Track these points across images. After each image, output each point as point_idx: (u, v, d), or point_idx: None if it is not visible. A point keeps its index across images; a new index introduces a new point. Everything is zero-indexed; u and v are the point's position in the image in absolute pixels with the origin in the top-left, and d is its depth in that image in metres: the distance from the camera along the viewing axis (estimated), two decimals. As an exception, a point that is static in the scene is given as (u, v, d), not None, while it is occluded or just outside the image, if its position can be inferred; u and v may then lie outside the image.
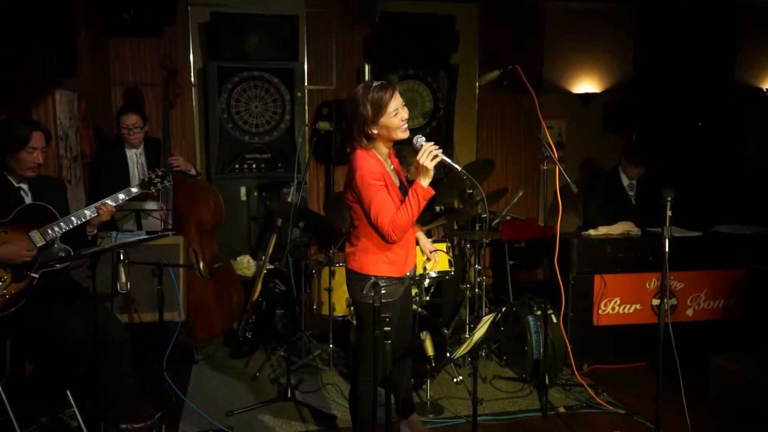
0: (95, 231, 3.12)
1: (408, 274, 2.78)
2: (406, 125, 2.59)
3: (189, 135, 5.34)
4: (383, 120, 2.54)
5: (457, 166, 2.61)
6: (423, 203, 2.51)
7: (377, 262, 2.65)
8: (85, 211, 2.98)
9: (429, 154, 2.46)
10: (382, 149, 2.67)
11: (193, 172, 4.39)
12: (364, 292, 2.41)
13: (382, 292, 2.55)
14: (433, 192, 2.53)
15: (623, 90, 6.11)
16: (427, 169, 2.47)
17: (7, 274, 2.87)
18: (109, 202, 3.02)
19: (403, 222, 2.53)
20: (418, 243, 2.91)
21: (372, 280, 2.41)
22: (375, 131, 2.57)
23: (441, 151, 2.49)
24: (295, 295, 4.01)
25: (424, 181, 2.49)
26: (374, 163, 2.58)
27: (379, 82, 2.57)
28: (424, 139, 2.54)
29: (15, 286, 2.88)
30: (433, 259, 2.90)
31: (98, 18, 4.78)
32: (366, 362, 2.71)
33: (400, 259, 2.69)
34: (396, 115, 2.54)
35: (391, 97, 2.53)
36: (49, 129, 3.30)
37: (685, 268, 4.15)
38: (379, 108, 2.52)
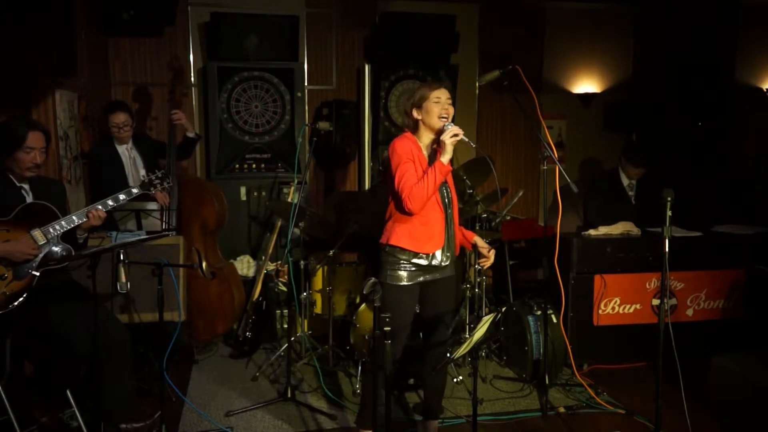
0: (86, 234, 3.12)
1: (434, 262, 2.86)
2: (446, 118, 2.81)
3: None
4: (425, 104, 2.82)
5: (473, 144, 2.86)
6: (440, 178, 2.73)
7: (400, 233, 2.84)
8: (73, 217, 2.96)
9: (450, 132, 2.72)
10: (424, 138, 2.90)
11: (192, 134, 4.39)
12: (364, 292, 2.44)
13: (402, 271, 2.83)
14: (450, 168, 2.77)
15: (623, 90, 6.11)
16: (446, 144, 2.71)
17: (9, 272, 2.88)
18: (99, 206, 3.00)
19: (420, 192, 2.71)
20: (476, 246, 3.08)
21: (372, 280, 2.43)
22: (417, 115, 2.86)
23: (463, 133, 2.75)
24: (295, 295, 4.01)
25: (444, 157, 2.73)
26: (409, 143, 2.84)
27: (434, 81, 2.93)
28: (452, 123, 2.79)
29: (16, 283, 2.88)
30: (490, 255, 3.05)
31: (98, 18, 4.78)
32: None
33: (422, 236, 2.83)
34: (437, 103, 2.81)
35: (437, 88, 2.84)
36: (49, 129, 3.30)
37: (685, 268, 4.15)
38: (425, 94, 2.83)
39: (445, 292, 2.98)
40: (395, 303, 2.82)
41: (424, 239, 2.83)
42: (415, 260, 2.84)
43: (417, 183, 2.73)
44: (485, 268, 3.11)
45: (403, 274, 2.84)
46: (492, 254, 3.05)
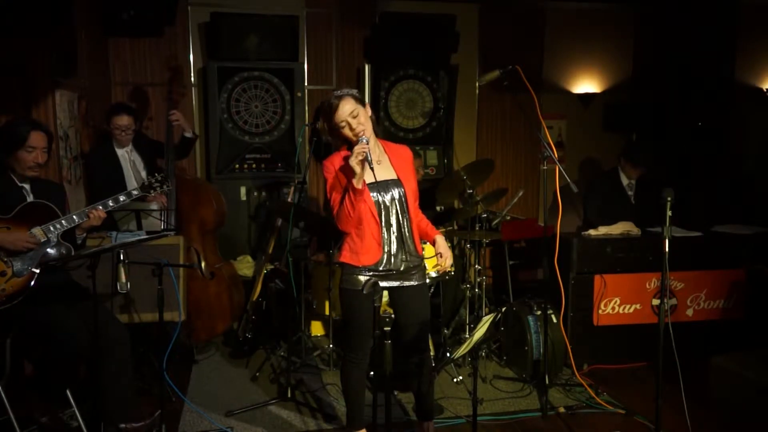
0: (84, 235, 3.13)
1: (386, 267, 2.81)
2: (360, 133, 2.69)
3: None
4: (337, 132, 2.75)
5: (370, 166, 2.66)
6: (355, 198, 2.69)
7: (344, 249, 2.87)
8: (74, 216, 2.98)
9: (354, 155, 2.61)
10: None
11: (190, 134, 4.38)
12: (364, 292, 2.46)
13: (360, 276, 2.80)
14: (359, 189, 2.67)
15: (623, 90, 6.12)
16: (352, 166, 2.63)
17: (8, 269, 2.88)
18: (99, 206, 3.01)
19: (342, 214, 2.74)
20: (434, 243, 2.97)
21: (372, 280, 2.46)
22: (336, 142, 2.80)
23: (366, 151, 2.61)
24: (295, 295, 4.01)
25: (354, 180, 2.66)
26: (335, 161, 2.80)
27: (333, 94, 2.77)
28: (365, 140, 2.66)
29: (15, 281, 2.88)
30: (441, 261, 2.91)
31: (98, 18, 4.78)
32: (346, 347, 2.98)
33: (360, 249, 2.81)
34: (344, 128, 2.72)
35: (335, 110, 2.72)
36: (50, 129, 3.31)
37: (685, 268, 4.15)
38: (327, 122, 2.77)
39: (415, 301, 2.91)
40: (355, 307, 2.81)
41: (361, 252, 2.80)
42: (362, 268, 2.81)
43: (340, 205, 2.74)
44: (439, 271, 3.02)
45: (362, 279, 2.78)
46: (445, 261, 2.89)
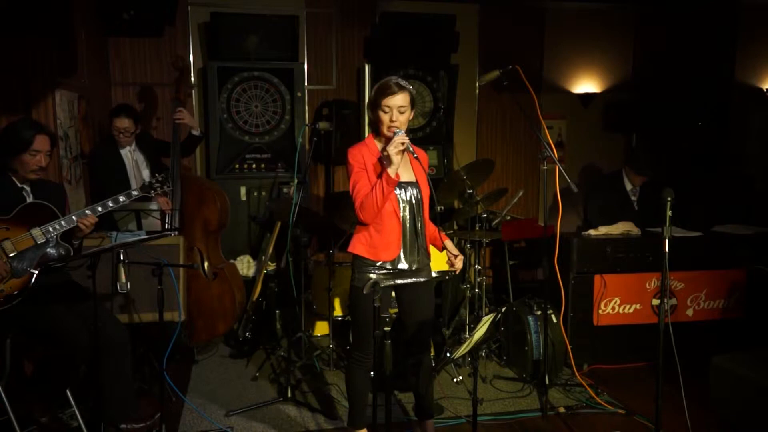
0: (80, 240, 3.12)
1: (400, 266, 2.83)
2: (395, 127, 2.72)
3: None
4: (377, 111, 2.76)
5: (415, 154, 2.75)
6: (389, 189, 2.70)
7: (357, 241, 2.86)
8: (73, 217, 2.97)
9: (395, 145, 2.64)
10: (383, 142, 2.83)
11: (197, 132, 4.39)
12: (365, 292, 2.46)
13: (371, 275, 2.78)
14: (396, 180, 2.69)
15: (623, 90, 6.12)
16: (389, 155, 2.65)
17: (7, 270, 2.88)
18: (88, 212, 2.99)
19: (369, 204, 2.71)
20: (444, 248, 3.00)
21: (372, 280, 2.46)
22: (371, 117, 2.82)
23: (408, 142, 2.66)
24: (295, 295, 4.01)
25: (390, 169, 2.67)
26: (363, 150, 2.82)
27: (398, 80, 2.77)
28: (401, 132, 2.69)
29: (14, 281, 2.88)
30: (456, 262, 2.95)
31: (98, 18, 4.78)
32: (352, 345, 3.00)
33: (378, 244, 2.82)
34: (386, 113, 2.73)
35: (389, 95, 2.71)
36: (50, 129, 3.30)
37: (685, 268, 4.15)
38: (377, 100, 2.75)
39: (422, 298, 2.95)
40: (364, 306, 2.80)
41: (380, 247, 2.81)
42: (378, 266, 2.83)
43: (367, 194, 2.72)
44: (455, 272, 3.04)
45: (372, 277, 2.79)
46: (459, 262, 2.94)
